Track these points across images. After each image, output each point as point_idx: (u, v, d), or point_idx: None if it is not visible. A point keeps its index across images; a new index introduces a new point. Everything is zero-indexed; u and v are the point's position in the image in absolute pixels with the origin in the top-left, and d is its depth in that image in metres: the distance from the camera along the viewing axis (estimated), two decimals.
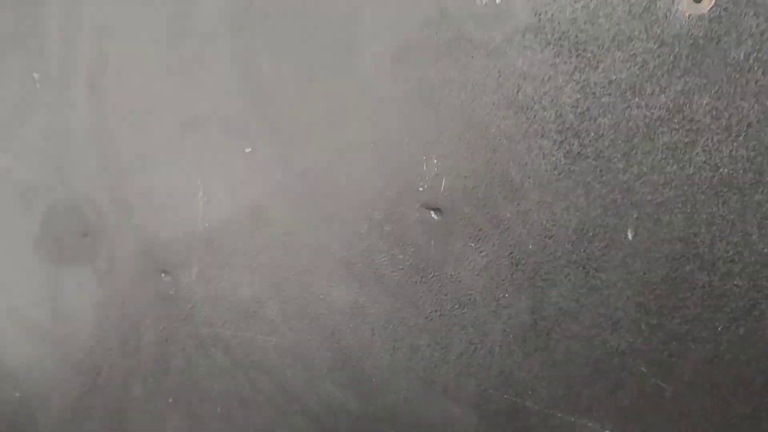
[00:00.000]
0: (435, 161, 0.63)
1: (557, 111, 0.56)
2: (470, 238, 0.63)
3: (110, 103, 0.80)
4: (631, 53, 0.52)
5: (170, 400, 0.86)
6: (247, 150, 0.73)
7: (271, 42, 0.69)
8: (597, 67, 0.54)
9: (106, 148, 0.81)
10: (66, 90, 0.82)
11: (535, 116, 0.57)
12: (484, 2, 0.58)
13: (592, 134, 0.55)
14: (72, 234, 0.87)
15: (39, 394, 0.96)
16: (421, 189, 0.65)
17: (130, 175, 0.81)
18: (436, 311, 0.67)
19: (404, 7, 0.62)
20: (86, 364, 0.91)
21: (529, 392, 0.62)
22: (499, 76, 0.59)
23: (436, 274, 0.66)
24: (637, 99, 0.53)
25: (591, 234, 0.57)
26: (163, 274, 0.82)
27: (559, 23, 0.55)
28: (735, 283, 0.51)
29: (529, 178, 0.59)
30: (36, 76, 0.84)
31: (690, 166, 0.52)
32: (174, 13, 0.74)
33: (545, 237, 0.59)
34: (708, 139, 0.50)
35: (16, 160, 0.88)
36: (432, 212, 0.65)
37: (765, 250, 0.50)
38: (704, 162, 0.51)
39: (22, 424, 0.99)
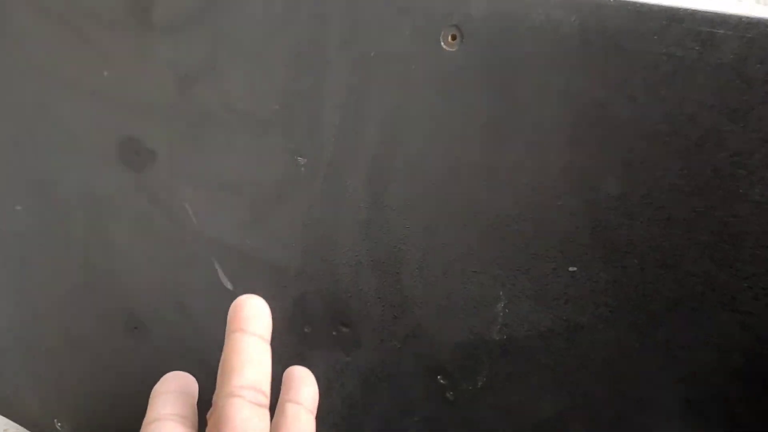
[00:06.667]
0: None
1: None
2: None
3: (388, 194, 0.74)
4: None
5: None
6: (571, 269, 0.66)
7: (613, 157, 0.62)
8: None
9: (380, 242, 0.76)
10: (336, 177, 0.77)
11: None
12: None
13: None
14: (329, 322, 0.83)
15: None
16: None
17: (408, 275, 0.75)
18: None
19: None
20: None
21: None
22: None
23: None
24: None
25: None
26: (439, 377, 0.77)
27: None
28: None
29: None
30: (302, 160, 0.78)
31: None
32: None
33: None
34: None
35: (268, 241, 0.84)
36: None
37: None
38: None
39: None
